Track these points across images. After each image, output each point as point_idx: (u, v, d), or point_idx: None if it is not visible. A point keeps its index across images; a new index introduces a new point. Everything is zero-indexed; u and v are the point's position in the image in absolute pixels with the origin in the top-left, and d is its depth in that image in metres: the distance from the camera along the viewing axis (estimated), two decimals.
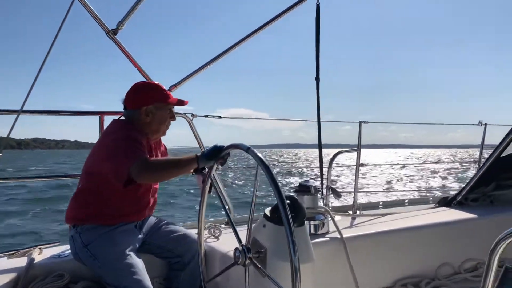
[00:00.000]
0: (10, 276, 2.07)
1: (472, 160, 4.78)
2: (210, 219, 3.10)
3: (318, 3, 2.77)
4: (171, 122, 2.43)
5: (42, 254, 2.36)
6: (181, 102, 2.40)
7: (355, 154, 3.64)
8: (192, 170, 2.55)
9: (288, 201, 1.83)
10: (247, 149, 1.70)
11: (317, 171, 3.38)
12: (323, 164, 3.29)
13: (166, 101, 2.32)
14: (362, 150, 3.64)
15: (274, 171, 1.59)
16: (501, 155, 3.54)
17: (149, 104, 2.28)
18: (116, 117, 2.44)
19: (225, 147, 1.93)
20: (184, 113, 2.94)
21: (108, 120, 2.69)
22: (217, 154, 1.97)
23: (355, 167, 3.79)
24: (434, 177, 24.72)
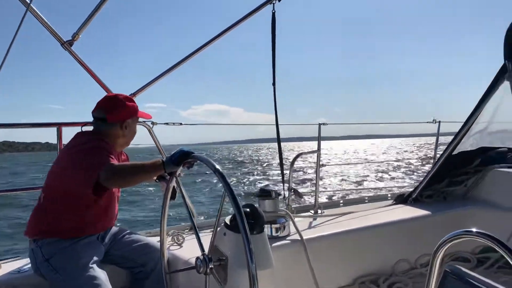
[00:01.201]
0: None
1: (428, 156, 4.97)
2: (174, 225, 3.11)
3: (273, 11, 2.83)
4: None
5: (1, 270, 2.33)
6: (147, 115, 2.57)
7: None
8: (155, 178, 2.57)
9: (247, 209, 1.89)
10: (199, 157, 1.77)
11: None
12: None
13: (139, 115, 2.45)
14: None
15: (231, 180, 1.64)
16: (453, 153, 3.71)
17: (129, 117, 2.37)
18: (75, 128, 2.45)
19: (192, 155, 1.92)
20: (144, 121, 2.95)
21: (66, 131, 2.68)
22: (184, 159, 1.96)
23: (315, 167, 3.89)
24: (394, 172, 25.38)
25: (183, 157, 1.95)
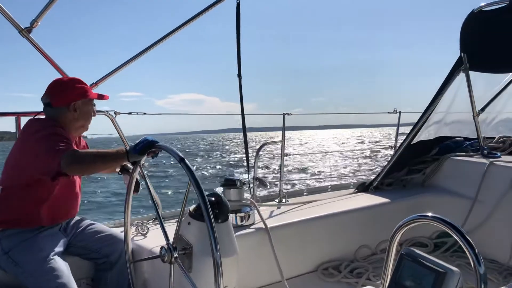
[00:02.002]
0: None
1: (389, 145, 5.10)
2: (138, 216, 3.09)
3: (238, 2, 2.82)
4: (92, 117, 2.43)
5: None
6: (101, 97, 2.42)
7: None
8: (118, 170, 2.55)
9: (212, 198, 1.91)
10: (162, 146, 1.78)
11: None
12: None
13: (90, 96, 2.34)
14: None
15: (195, 170, 1.65)
16: (412, 142, 3.83)
17: (77, 99, 2.27)
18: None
19: (156, 144, 1.91)
20: (107, 111, 2.90)
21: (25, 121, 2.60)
22: (148, 148, 1.93)
23: (280, 157, 3.95)
24: (356, 161, 25.96)
25: (147, 146, 1.93)
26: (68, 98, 2.26)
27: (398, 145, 4.26)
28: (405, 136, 3.93)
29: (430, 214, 1.40)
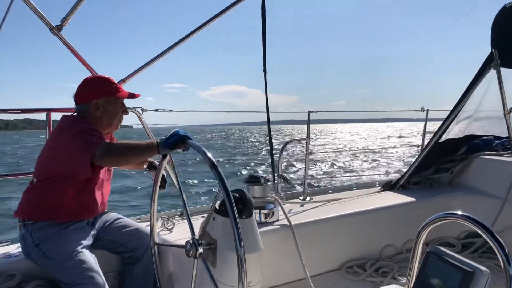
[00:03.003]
0: None
1: (415, 144, 5.03)
2: (163, 211, 3.13)
3: None
4: (124, 116, 2.45)
5: None
6: (132, 95, 2.41)
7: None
8: (145, 166, 2.59)
9: (236, 194, 1.92)
10: (193, 145, 1.78)
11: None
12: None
13: (116, 95, 2.33)
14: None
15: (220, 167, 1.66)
16: (440, 140, 3.76)
17: (98, 98, 2.30)
18: (64, 113, 2.44)
19: (189, 142, 1.86)
20: (134, 108, 2.95)
21: (55, 117, 2.67)
22: (179, 143, 1.89)
23: (304, 155, 3.93)
24: (383, 160, 25.57)
25: (178, 141, 1.89)
26: (90, 96, 2.30)
27: (425, 143, 4.19)
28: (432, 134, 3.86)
29: (459, 212, 1.37)
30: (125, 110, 2.42)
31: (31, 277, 2.18)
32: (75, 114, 2.37)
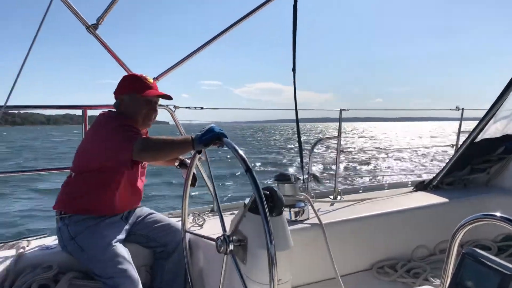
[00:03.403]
0: (0, 268, 2.14)
1: (449, 144, 4.90)
2: (194, 208, 3.17)
3: None
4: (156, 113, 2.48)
5: (30, 246, 2.42)
6: (159, 95, 2.41)
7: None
8: (176, 164, 2.63)
9: (266, 192, 1.92)
10: (229, 145, 1.77)
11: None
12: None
13: (140, 93, 2.34)
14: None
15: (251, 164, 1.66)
16: (475, 140, 3.66)
17: (123, 93, 2.36)
18: (100, 110, 2.50)
19: (224, 140, 1.86)
20: (167, 105, 2.99)
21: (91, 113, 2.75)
22: (214, 140, 1.90)
23: (336, 153, 3.90)
24: (416, 159, 25.03)
25: (214, 138, 1.90)
26: (119, 92, 2.37)
27: (460, 143, 4.09)
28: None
29: (498, 214, 1.33)
30: (152, 109, 2.39)
31: (68, 269, 2.24)
32: (113, 110, 2.43)
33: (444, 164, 3.86)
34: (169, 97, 2.43)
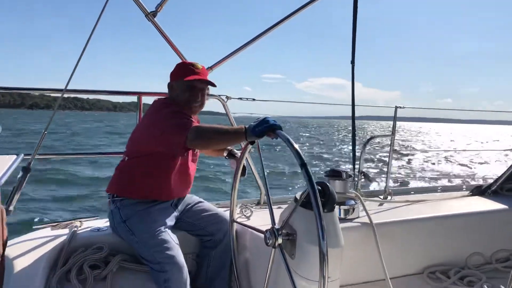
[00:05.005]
0: (55, 245, 2.22)
1: (510, 148, 4.65)
2: (241, 199, 3.17)
3: None
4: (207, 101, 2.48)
5: (82, 227, 2.50)
6: (201, 81, 2.36)
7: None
8: (225, 154, 2.62)
9: (319, 187, 1.86)
10: (283, 137, 1.73)
11: None
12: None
13: (181, 78, 2.32)
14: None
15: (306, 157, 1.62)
16: None
17: (172, 80, 2.39)
18: (154, 97, 2.54)
19: (277, 132, 1.79)
20: (219, 95, 2.99)
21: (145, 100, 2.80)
22: (268, 132, 1.83)
23: (388, 152, 3.78)
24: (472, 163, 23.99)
25: (268, 130, 1.83)
26: (171, 79, 2.41)
27: None
28: None
29: None
30: (194, 94, 2.35)
31: (118, 251, 2.29)
32: (166, 97, 2.46)
33: (505, 169, 3.65)
34: (211, 84, 2.40)
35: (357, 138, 3.41)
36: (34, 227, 2.51)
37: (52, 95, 2.79)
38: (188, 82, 2.33)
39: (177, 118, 2.13)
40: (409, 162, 22.55)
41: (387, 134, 3.76)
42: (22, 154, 2.35)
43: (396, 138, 3.72)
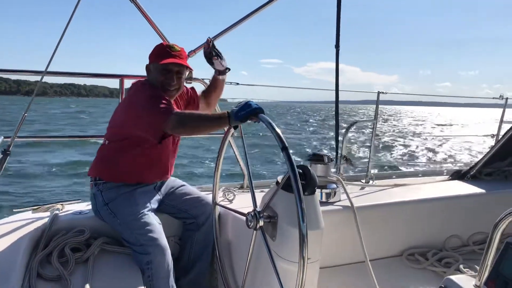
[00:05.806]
0: (36, 229, 2.20)
1: (489, 134, 4.72)
2: (224, 183, 3.17)
3: None
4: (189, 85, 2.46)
5: (64, 210, 2.48)
6: (177, 64, 2.30)
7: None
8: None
9: (300, 170, 1.88)
10: (265, 121, 1.73)
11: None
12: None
13: (159, 61, 2.28)
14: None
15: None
16: None
17: (150, 62, 2.35)
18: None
19: (260, 116, 1.79)
20: (202, 79, 2.97)
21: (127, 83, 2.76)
22: (250, 116, 1.83)
23: (371, 136, 3.82)
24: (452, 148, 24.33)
25: (250, 115, 1.84)
26: (149, 60, 2.35)
27: (501, 133, 3.93)
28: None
29: None
30: (169, 78, 2.29)
31: (99, 234, 2.29)
32: (145, 79, 2.42)
33: (483, 154, 3.73)
34: (187, 67, 2.36)
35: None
36: (14, 210, 2.49)
37: (33, 77, 2.74)
38: (163, 66, 2.28)
39: (155, 104, 2.09)
40: (390, 146, 22.83)
41: (370, 119, 3.80)
42: (2, 137, 2.31)
43: (384, 124, 3.75)
